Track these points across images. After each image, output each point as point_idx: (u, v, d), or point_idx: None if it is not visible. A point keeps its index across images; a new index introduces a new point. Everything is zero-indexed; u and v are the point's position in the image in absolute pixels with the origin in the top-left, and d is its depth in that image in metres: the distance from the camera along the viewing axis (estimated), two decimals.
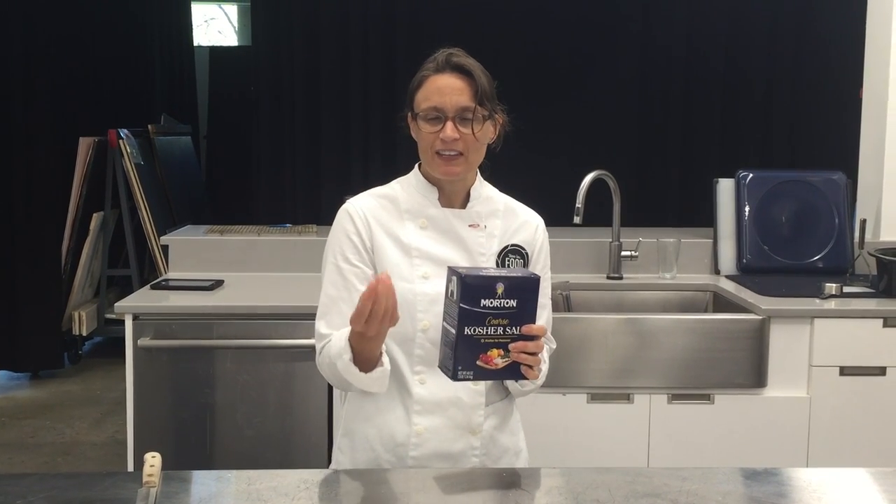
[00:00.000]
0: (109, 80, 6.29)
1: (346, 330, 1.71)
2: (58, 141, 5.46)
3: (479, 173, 1.90)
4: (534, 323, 1.63)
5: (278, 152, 5.50)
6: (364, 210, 1.85)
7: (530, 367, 1.65)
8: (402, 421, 1.82)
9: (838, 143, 4.82)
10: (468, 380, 1.65)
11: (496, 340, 1.63)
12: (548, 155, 5.27)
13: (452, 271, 1.63)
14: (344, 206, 1.88)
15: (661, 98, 5.47)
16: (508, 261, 1.88)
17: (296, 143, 5.45)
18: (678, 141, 5.50)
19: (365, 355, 1.70)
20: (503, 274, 1.64)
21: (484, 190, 1.91)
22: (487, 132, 1.82)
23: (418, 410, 1.81)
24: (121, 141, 5.51)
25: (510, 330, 1.63)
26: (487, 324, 1.62)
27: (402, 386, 1.82)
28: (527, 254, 1.90)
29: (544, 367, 1.82)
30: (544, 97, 5.33)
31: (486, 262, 1.86)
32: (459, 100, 1.76)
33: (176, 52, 7.43)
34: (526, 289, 1.63)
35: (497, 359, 1.64)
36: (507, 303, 1.62)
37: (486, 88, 1.79)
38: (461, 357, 1.62)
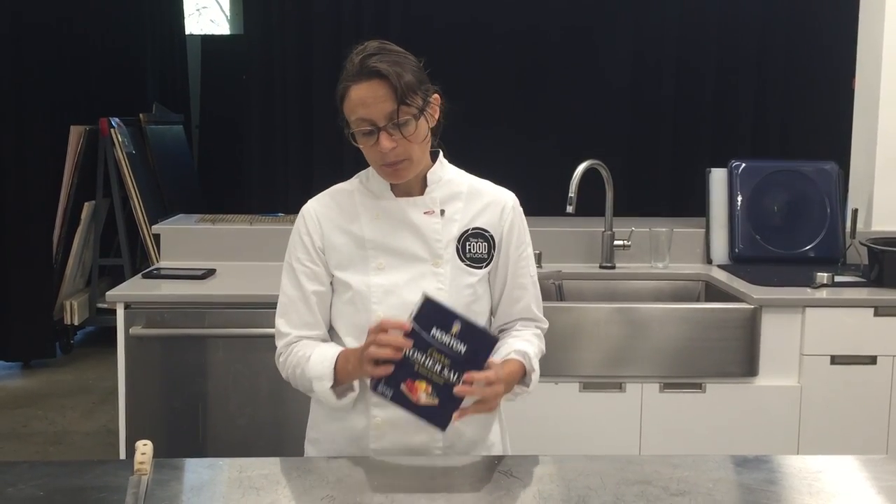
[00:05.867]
0: (101, 69, 6.25)
1: (330, 354, 1.75)
2: (49, 130, 5.44)
3: (440, 153, 1.86)
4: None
5: (270, 141, 5.48)
6: (316, 211, 1.87)
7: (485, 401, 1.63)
8: (362, 413, 1.81)
9: (830, 133, 4.82)
10: (384, 396, 1.57)
11: (429, 375, 1.56)
12: (540, 144, 5.27)
13: (425, 294, 1.58)
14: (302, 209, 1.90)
15: (654, 87, 5.46)
16: (469, 244, 1.83)
17: (288, 133, 5.44)
18: (671, 130, 5.50)
19: (345, 383, 1.75)
20: (467, 318, 1.56)
21: (444, 173, 1.86)
22: (422, 128, 1.75)
23: (376, 402, 1.76)
24: (112, 130, 5.49)
25: (448, 373, 1.56)
26: (429, 354, 1.55)
27: (360, 378, 1.79)
28: (491, 237, 1.84)
29: (536, 366, 1.80)
30: (536, 87, 5.32)
31: (444, 248, 1.81)
32: (385, 107, 1.69)
33: (168, 40, 7.40)
34: (481, 340, 1.56)
35: (421, 393, 1.56)
36: (458, 345, 1.55)
37: (407, 83, 1.69)
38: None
